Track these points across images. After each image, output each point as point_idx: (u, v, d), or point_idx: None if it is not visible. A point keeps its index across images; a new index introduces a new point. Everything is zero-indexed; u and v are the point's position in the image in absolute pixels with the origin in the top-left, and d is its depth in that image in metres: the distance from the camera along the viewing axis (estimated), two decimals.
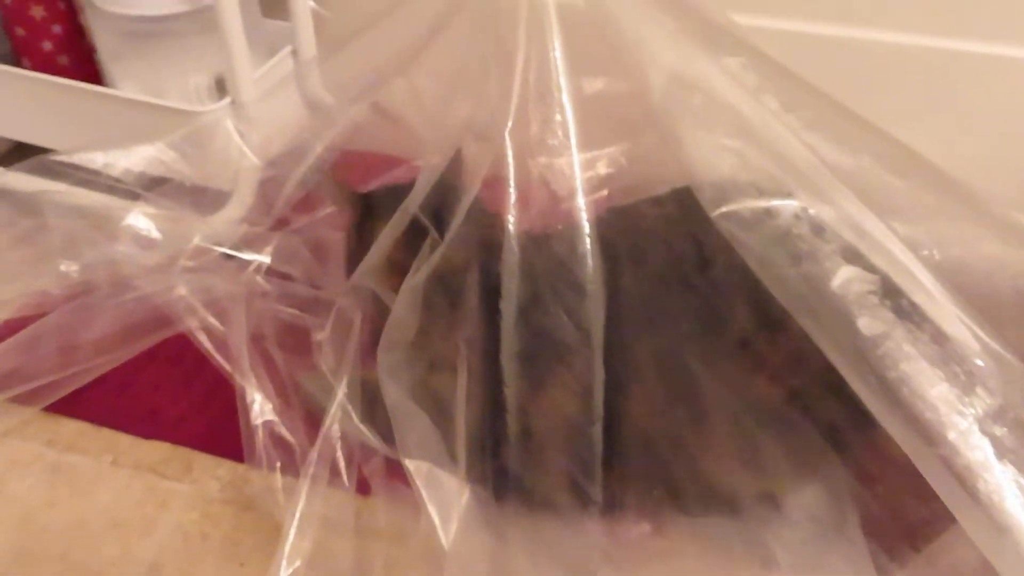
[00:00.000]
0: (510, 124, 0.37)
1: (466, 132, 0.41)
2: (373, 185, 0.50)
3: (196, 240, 0.56)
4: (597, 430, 0.38)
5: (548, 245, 0.38)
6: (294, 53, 0.65)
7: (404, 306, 0.40)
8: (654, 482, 0.42)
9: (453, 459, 0.38)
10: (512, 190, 0.37)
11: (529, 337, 0.38)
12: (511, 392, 0.38)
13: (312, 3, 0.64)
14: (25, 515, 0.48)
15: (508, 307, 0.38)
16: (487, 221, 0.40)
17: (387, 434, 0.43)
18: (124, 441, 0.53)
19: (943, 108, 0.70)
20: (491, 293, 0.39)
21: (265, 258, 0.56)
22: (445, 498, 0.38)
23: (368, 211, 0.48)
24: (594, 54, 0.44)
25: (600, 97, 0.45)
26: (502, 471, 0.40)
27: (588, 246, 0.37)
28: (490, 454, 0.40)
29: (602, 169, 0.49)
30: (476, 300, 0.40)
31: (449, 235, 0.39)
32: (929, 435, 0.30)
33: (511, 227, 0.37)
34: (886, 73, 0.69)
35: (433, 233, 0.40)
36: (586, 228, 0.37)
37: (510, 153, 0.37)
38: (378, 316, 0.46)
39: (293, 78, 0.64)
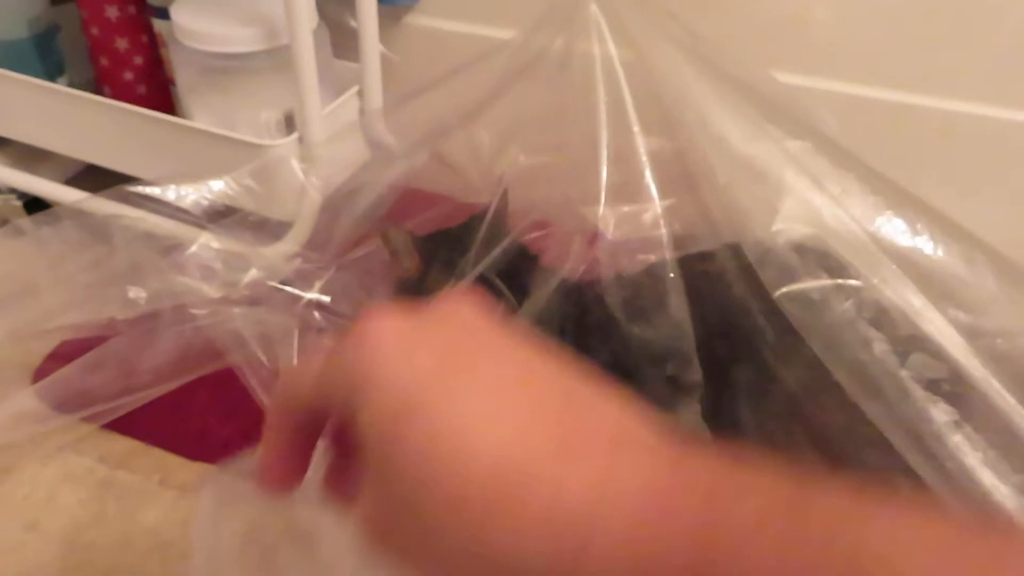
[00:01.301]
0: (602, 204, 0.38)
1: (550, 202, 0.42)
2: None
3: (252, 273, 0.57)
4: None
5: (644, 321, 0.38)
6: (360, 93, 0.67)
7: None
8: None
9: None
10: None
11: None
12: None
13: (382, 47, 0.66)
14: (74, 529, 0.50)
15: None
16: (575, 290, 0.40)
17: None
18: (172, 462, 0.54)
19: (998, 181, 0.69)
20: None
21: (320, 295, 0.58)
22: None
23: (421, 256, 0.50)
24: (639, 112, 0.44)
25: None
26: None
27: (682, 317, 0.37)
28: None
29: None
30: None
31: (530, 306, 0.39)
32: None
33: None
34: (939, 141, 0.68)
35: (509, 298, 0.40)
36: (684, 307, 0.37)
37: (608, 233, 0.38)
38: None
39: (358, 119, 0.67)
